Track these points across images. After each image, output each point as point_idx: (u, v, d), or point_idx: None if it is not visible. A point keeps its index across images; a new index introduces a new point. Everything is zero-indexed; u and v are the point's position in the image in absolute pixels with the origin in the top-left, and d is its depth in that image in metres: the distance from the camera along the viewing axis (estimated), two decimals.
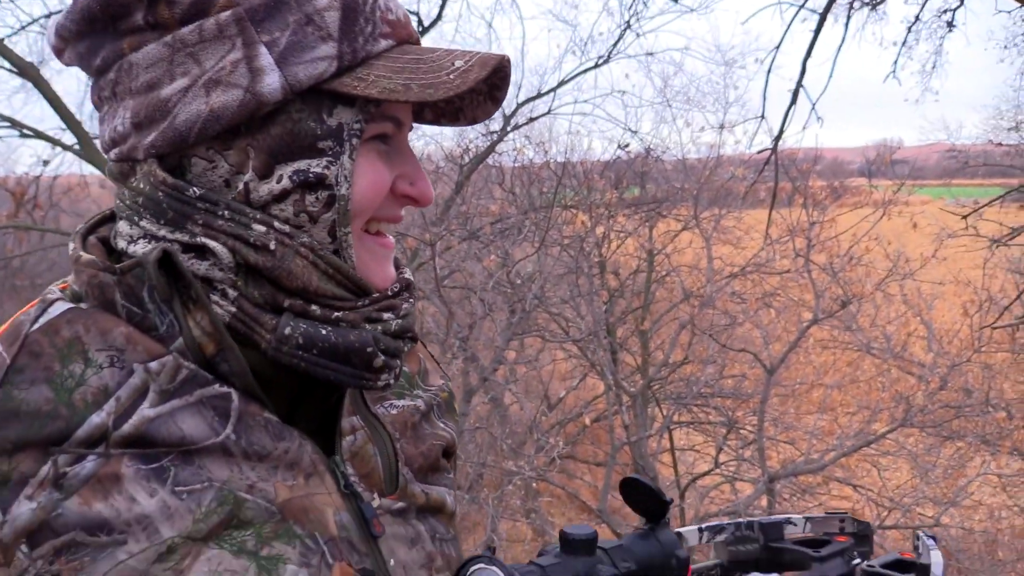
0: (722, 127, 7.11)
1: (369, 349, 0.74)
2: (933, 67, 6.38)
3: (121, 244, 0.75)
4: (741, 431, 7.72)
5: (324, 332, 0.73)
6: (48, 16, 7.75)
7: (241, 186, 0.73)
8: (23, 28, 7.60)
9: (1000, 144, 8.00)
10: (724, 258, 7.58)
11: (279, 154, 0.72)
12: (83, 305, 0.73)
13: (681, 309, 7.50)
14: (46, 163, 8.11)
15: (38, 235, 8.66)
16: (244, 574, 0.69)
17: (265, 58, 0.71)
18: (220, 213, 0.72)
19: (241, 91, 0.70)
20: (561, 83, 7.56)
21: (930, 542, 0.98)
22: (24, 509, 0.66)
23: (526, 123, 7.51)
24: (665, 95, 7.94)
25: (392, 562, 0.78)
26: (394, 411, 0.87)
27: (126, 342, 0.70)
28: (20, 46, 8.13)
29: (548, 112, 7.68)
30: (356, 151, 0.74)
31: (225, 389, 0.72)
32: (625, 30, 7.31)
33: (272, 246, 0.72)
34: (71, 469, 0.67)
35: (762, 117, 5.82)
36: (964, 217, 5.67)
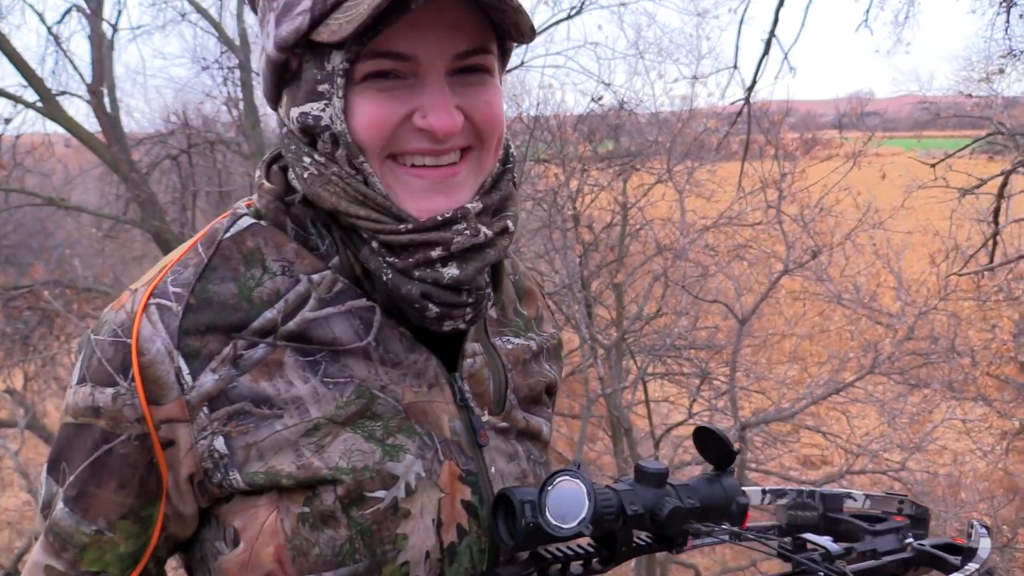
0: (695, 78, 7.08)
1: (416, 305, 0.83)
2: (906, 17, 6.38)
3: (290, 173, 0.89)
4: (714, 382, 7.84)
5: (384, 278, 0.83)
6: None
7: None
8: None
9: (971, 95, 8.04)
10: (697, 211, 7.61)
11: (297, 100, 0.84)
12: (263, 222, 0.87)
13: (655, 262, 7.54)
14: (7, 121, 7.93)
15: (2, 195, 8.49)
16: (372, 455, 0.82)
17: (271, 23, 0.83)
18: (291, 147, 0.86)
19: (264, 54, 0.85)
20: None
21: (982, 530, 1.03)
22: (209, 379, 0.81)
23: None
24: (638, 47, 7.89)
25: (493, 470, 0.90)
26: (510, 346, 0.98)
27: (295, 256, 0.85)
28: None
29: (520, 64, 7.61)
30: (342, 90, 0.81)
31: (371, 303, 0.86)
32: None
33: (305, 175, 0.84)
34: (246, 352, 0.82)
35: (734, 67, 5.80)
36: (932, 166, 5.73)
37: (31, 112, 7.94)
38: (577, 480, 0.80)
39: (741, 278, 7.64)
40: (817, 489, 1.09)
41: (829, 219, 7.11)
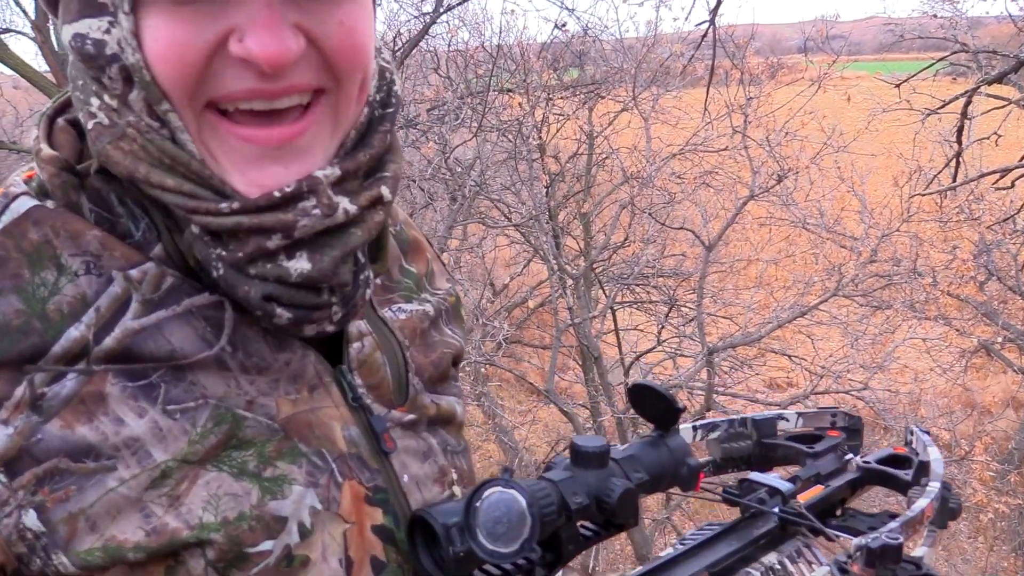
0: (659, 1, 6.96)
1: (259, 312, 0.64)
2: None
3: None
4: (682, 309, 7.93)
5: (215, 273, 0.63)
6: None
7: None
8: None
9: (935, 16, 8.01)
10: (663, 138, 7.57)
11: (69, 13, 0.60)
12: (49, 203, 0.63)
13: (621, 191, 7.53)
14: None
15: None
16: (246, 497, 0.63)
17: None
18: (79, 83, 0.62)
19: None
20: None
21: (925, 437, 0.96)
22: (0, 435, 0.59)
23: (459, 3, 7.27)
24: None
25: (405, 478, 0.73)
26: (403, 316, 0.79)
27: (101, 247, 0.62)
28: None
29: None
30: (132, 2, 0.57)
31: (217, 298, 0.65)
32: None
33: (91, 125, 0.61)
34: (49, 389, 0.60)
35: None
36: (897, 86, 5.73)
37: None
38: (512, 490, 0.66)
39: (707, 205, 7.66)
40: (748, 416, 1.03)
41: (794, 143, 7.10)
